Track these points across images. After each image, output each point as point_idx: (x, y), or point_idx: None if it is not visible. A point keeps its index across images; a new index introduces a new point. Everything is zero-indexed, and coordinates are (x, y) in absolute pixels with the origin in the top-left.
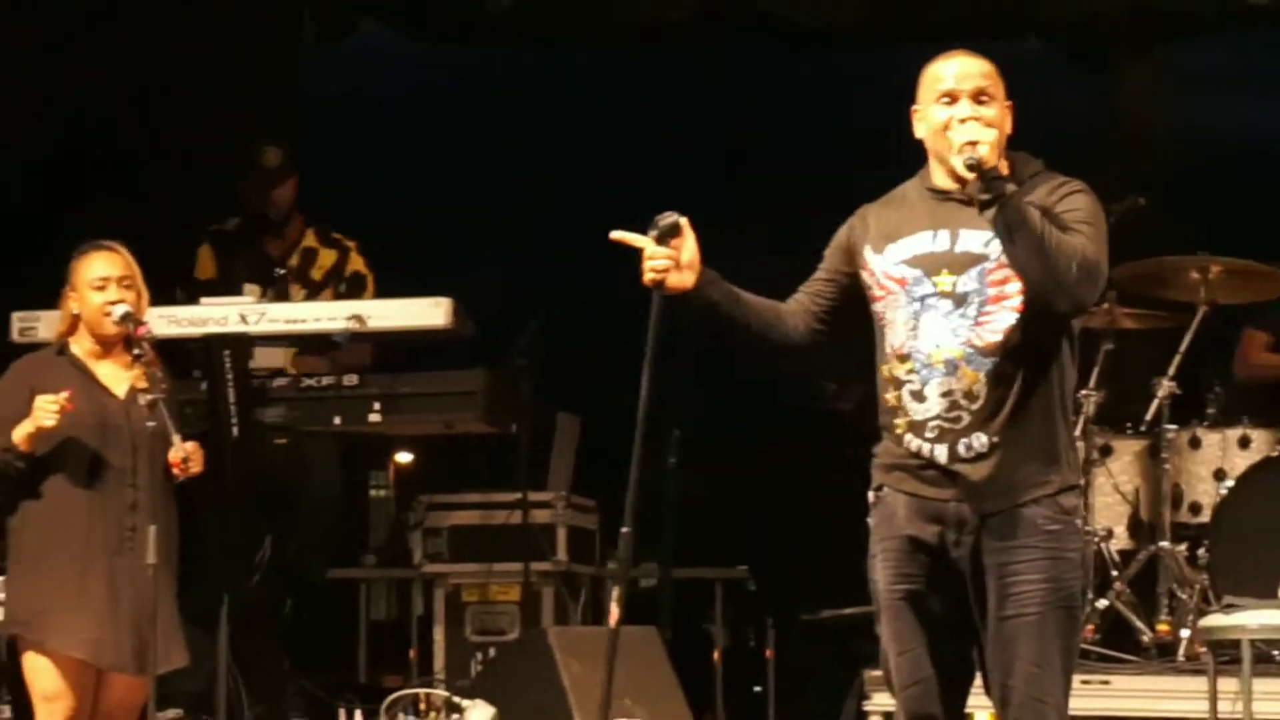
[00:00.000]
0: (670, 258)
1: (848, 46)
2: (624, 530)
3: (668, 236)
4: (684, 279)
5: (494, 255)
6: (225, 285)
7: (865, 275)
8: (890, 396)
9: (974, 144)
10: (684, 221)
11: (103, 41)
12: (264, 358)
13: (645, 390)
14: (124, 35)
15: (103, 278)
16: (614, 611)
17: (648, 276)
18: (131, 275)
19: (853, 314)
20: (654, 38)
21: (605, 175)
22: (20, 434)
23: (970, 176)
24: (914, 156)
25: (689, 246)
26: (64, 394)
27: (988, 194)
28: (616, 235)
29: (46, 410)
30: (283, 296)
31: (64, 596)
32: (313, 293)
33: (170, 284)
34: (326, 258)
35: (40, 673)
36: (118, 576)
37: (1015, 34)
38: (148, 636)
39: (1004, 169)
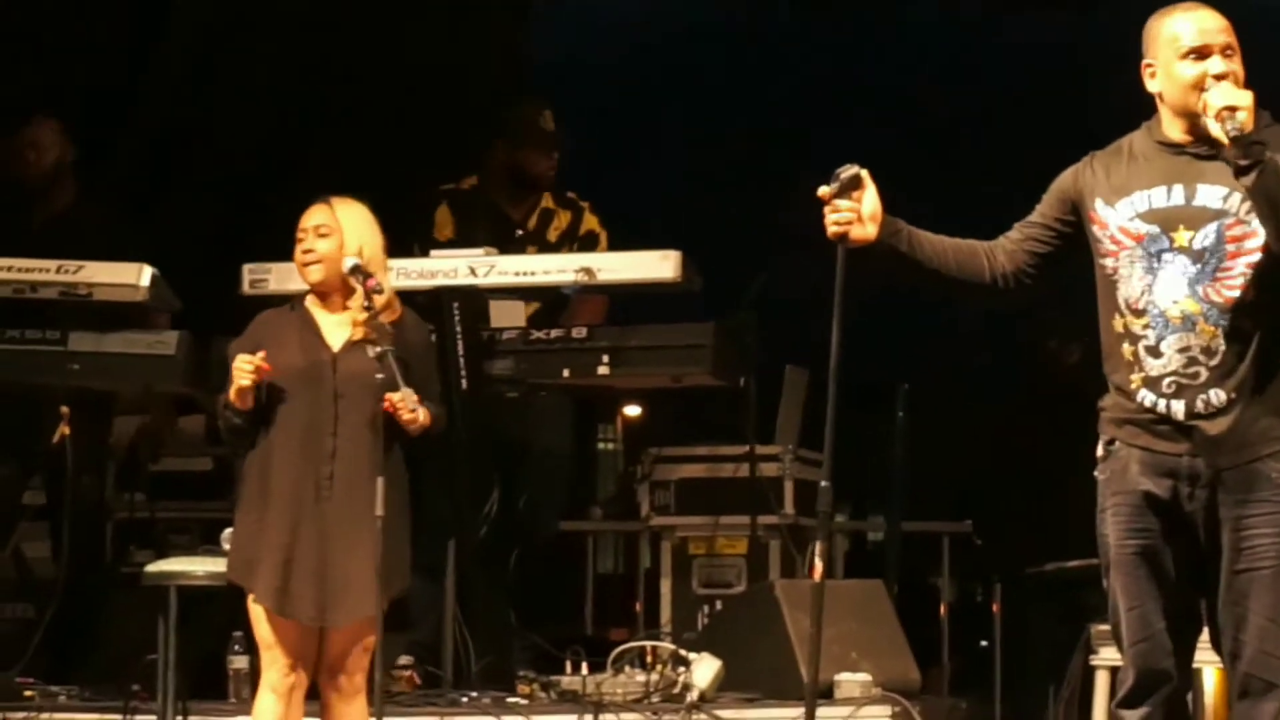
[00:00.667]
0: (852, 210)
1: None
2: (823, 484)
3: (848, 189)
4: (866, 231)
5: (721, 209)
6: (465, 246)
7: (1095, 229)
8: (1126, 350)
9: (1233, 110)
10: (864, 173)
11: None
12: (500, 314)
13: (836, 343)
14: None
15: (302, 229)
16: (817, 566)
17: (831, 230)
18: (330, 225)
19: (1067, 260)
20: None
21: (830, 128)
22: (230, 392)
23: (1226, 142)
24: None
25: (870, 198)
26: (260, 354)
27: (1246, 159)
28: (821, 191)
29: (242, 370)
30: None
31: (261, 545)
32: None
33: (408, 243)
34: (562, 218)
35: (256, 621)
36: (313, 526)
37: None
38: (339, 587)
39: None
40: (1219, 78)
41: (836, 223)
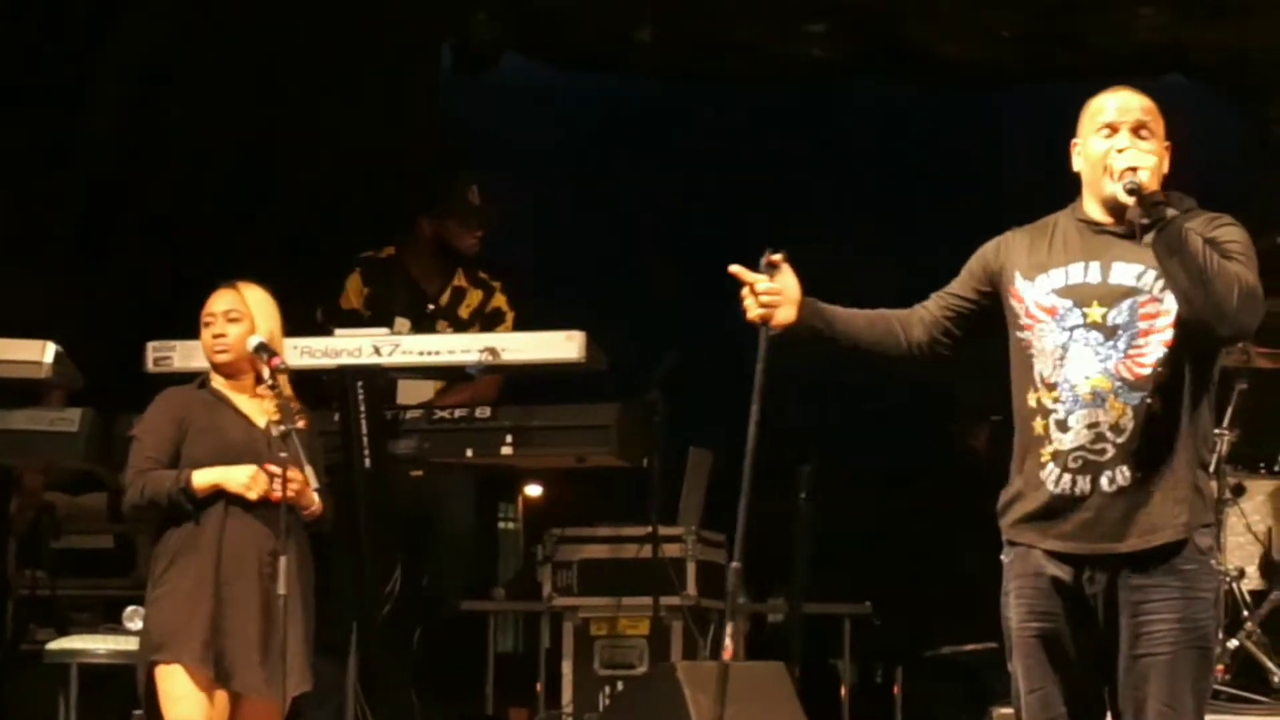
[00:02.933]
0: (776, 293)
1: (993, 84)
2: (733, 565)
3: (769, 272)
4: (787, 313)
5: (628, 288)
6: (375, 315)
7: (1014, 303)
8: (1038, 424)
9: (1134, 170)
10: (782, 256)
11: (242, 70)
12: (408, 392)
13: (754, 425)
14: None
15: (211, 313)
16: (728, 647)
17: (753, 313)
18: (240, 310)
19: (983, 333)
20: (794, 73)
21: (739, 209)
22: (204, 482)
23: (1130, 201)
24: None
25: (791, 281)
26: (271, 473)
27: (1148, 218)
28: (735, 269)
29: (253, 485)
30: (430, 333)
31: (201, 620)
32: (459, 331)
33: (311, 309)
34: (474, 297)
35: (177, 702)
36: (256, 603)
37: (1162, 72)
38: (279, 663)
39: None
40: (1122, 151)
41: (763, 304)
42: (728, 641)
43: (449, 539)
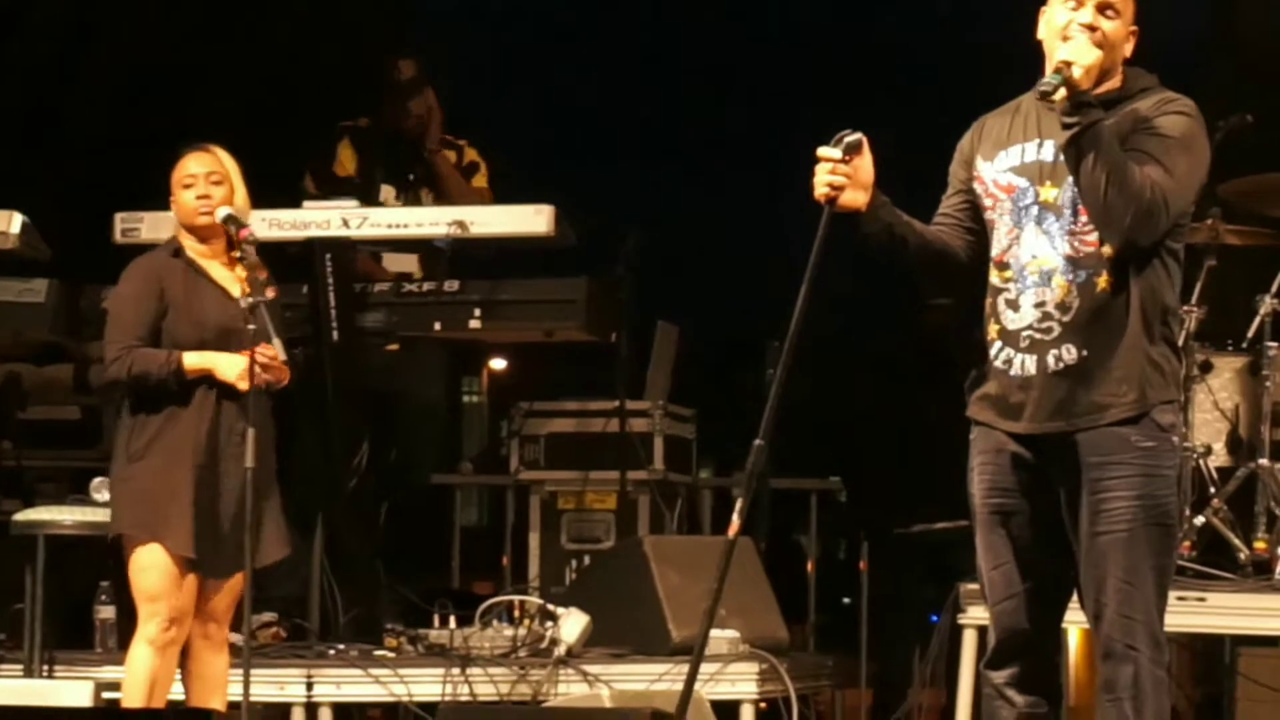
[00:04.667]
0: (847, 174)
1: None
2: (757, 442)
3: (849, 153)
4: (856, 198)
5: (602, 166)
6: (365, 185)
7: (976, 184)
8: (989, 303)
9: (1069, 64)
10: (864, 140)
11: None
12: (394, 263)
13: (801, 303)
14: None
15: (191, 174)
16: (734, 522)
17: (820, 190)
18: (221, 172)
19: None
20: None
21: (715, 91)
22: (195, 365)
23: (1049, 91)
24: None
25: (866, 166)
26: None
27: (1071, 117)
28: (821, 151)
29: (236, 371)
30: (415, 200)
31: (177, 499)
32: (440, 195)
33: (297, 179)
34: (448, 156)
35: (146, 571)
36: (227, 480)
37: None
38: (254, 539)
39: (1116, 83)
40: (1086, 28)
41: (830, 184)
42: (735, 518)
43: (416, 413)
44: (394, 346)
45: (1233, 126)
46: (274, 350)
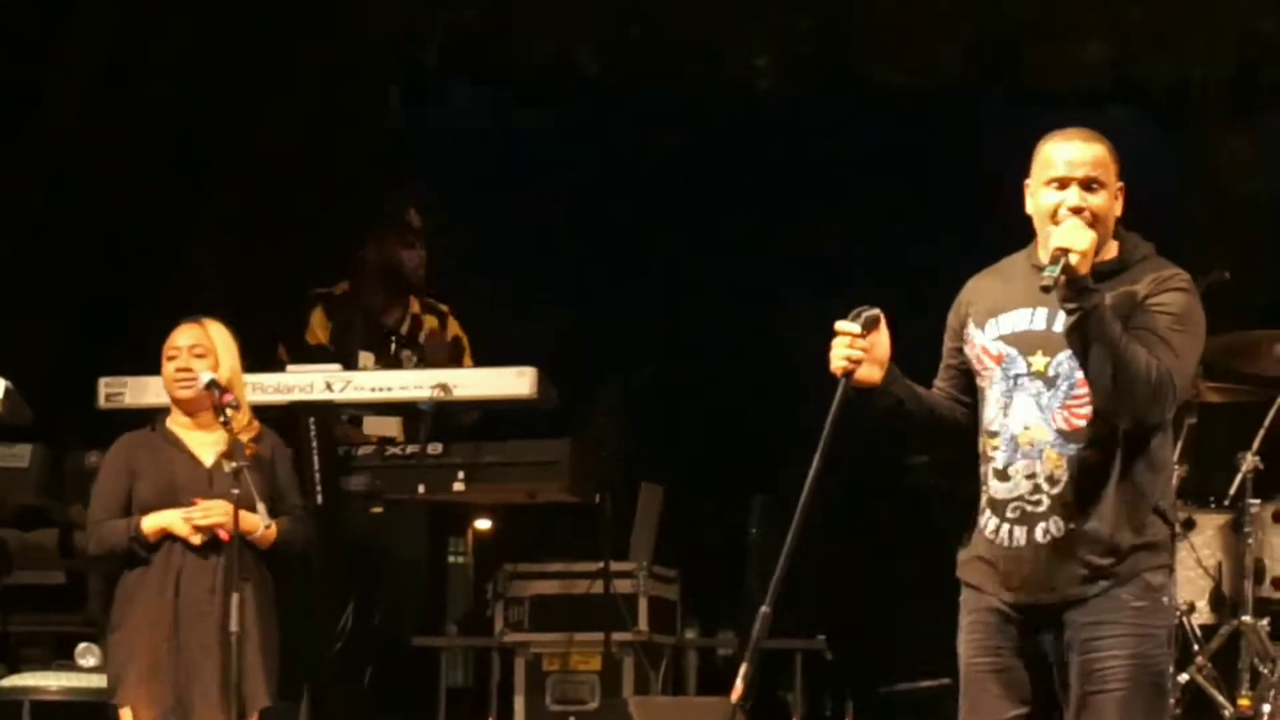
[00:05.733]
0: (864, 349)
1: (934, 105)
2: (763, 610)
3: (866, 328)
4: (872, 373)
5: (580, 316)
6: (340, 351)
7: (967, 349)
8: (981, 471)
9: (1065, 251)
10: (882, 316)
11: (194, 85)
12: (374, 427)
13: (815, 470)
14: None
15: (175, 347)
16: (738, 686)
17: (838, 364)
18: (205, 345)
19: None
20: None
21: (697, 230)
22: (152, 526)
23: (1052, 285)
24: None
25: (882, 341)
26: (212, 512)
27: (1072, 303)
28: (839, 325)
29: (189, 526)
30: (396, 364)
31: (156, 663)
32: (422, 359)
33: (273, 347)
34: (430, 323)
35: None
36: (215, 641)
37: (1104, 101)
38: (237, 698)
39: (1113, 251)
40: (1075, 210)
41: (847, 358)
42: (739, 682)
43: (401, 575)
44: (378, 509)
45: (1212, 282)
46: (254, 519)
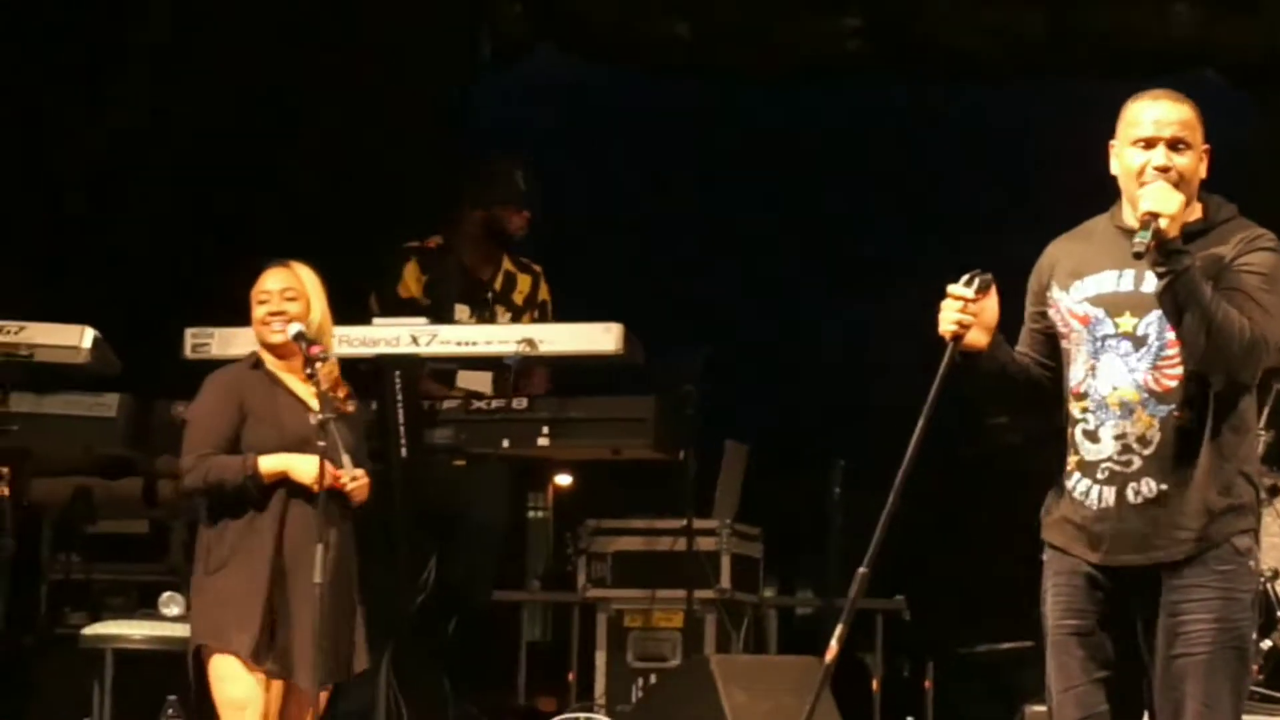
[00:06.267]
0: (974, 313)
1: (1027, 77)
2: (861, 570)
3: (979, 292)
4: (980, 338)
5: (663, 283)
6: (435, 305)
7: (1051, 312)
8: (1069, 434)
9: (1154, 215)
10: (993, 281)
11: (282, 56)
12: (467, 380)
13: (918, 434)
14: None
15: (266, 291)
16: (832, 647)
17: (947, 327)
18: (296, 289)
19: None
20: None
21: (772, 210)
22: (271, 468)
23: (1144, 251)
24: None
25: (992, 306)
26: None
27: (1163, 266)
28: (952, 289)
29: (312, 474)
30: (490, 319)
31: (249, 608)
32: (516, 316)
33: (363, 300)
34: (524, 282)
35: (224, 681)
36: (304, 587)
37: (1194, 66)
38: (326, 650)
39: (1196, 212)
40: (1161, 170)
41: (958, 322)
42: (833, 643)
43: (483, 531)
44: (460, 463)
45: None
46: (356, 471)
